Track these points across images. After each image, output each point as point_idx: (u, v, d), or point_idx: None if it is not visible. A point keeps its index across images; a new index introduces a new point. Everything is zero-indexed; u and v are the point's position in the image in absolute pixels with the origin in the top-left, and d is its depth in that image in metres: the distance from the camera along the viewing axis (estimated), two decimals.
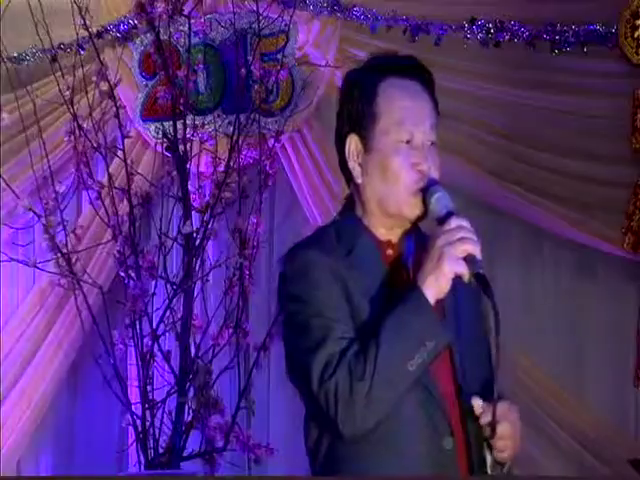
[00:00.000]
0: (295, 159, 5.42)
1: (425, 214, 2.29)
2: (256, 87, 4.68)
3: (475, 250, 2.18)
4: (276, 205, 5.49)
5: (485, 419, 2.22)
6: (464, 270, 2.18)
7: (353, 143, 2.34)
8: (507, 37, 5.04)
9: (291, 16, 4.88)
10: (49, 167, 4.59)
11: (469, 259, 2.18)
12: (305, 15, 5.36)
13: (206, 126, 4.65)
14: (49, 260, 4.48)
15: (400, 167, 2.29)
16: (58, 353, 5.66)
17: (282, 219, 5.21)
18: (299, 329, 2.26)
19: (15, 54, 5.57)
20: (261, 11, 4.68)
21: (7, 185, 4.56)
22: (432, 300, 2.19)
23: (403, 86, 2.33)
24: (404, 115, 2.30)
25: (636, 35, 4.82)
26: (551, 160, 4.94)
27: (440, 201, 2.25)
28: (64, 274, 4.45)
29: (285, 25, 5.02)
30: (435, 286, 2.19)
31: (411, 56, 2.40)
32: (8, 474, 5.48)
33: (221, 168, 4.56)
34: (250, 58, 4.82)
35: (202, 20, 5.04)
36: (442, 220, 2.22)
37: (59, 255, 4.43)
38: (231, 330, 4.52)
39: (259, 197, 4.57)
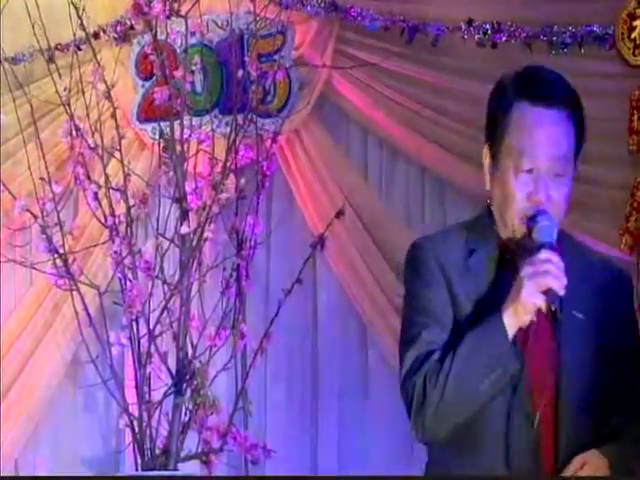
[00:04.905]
0: (292, 160, 5.42)
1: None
2: (253, 88, 4.66)
3: (556, 285, 2.17)
4: (273, 206, 5.49)
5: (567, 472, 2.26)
6: (541, 303, 2.18)
7: (486, 155, 2.40)
8: (504, 38, 5.05)
9: (288, 17, 4.88)
10: (46, 168, 4.58)
11: (548, 293, 2.17)
12: (302, 15, 5.37)
13: (203, 127, 4.62)
14: (46, 261, 4.47)
15: (515, 193, 2.32)
16: (55, 354, 5.67)
17: (279, 220, 5.21)
18: (404, 320, 2.35)
19: (12, 54, 5.56)
20: (258, 12, 4.66)
21: (4, 186, 4.55)
22: (511, 328, 2.20)
23: (538, 114, 2.34)
24: (529, 144, 2.32)
25: (633, 36, 4.82)
26: None
27: (541, 231, 2.26)
28: (61, 275, 4.44)
29: (282, 26, 5.02)
30: (513, 315, 2.20)
31: (558, 80, 2.44)
32: (6, 473, 5.48)
33: (218, 169, 4.55)
34: (247, 59, 4.80)
35: (199, 21, 5.03)
36: (537, 250, 2.23)
37: (56, 256, 4.42)
38: (228, 331, 4.51)
39: (256, 198, 4.56)
